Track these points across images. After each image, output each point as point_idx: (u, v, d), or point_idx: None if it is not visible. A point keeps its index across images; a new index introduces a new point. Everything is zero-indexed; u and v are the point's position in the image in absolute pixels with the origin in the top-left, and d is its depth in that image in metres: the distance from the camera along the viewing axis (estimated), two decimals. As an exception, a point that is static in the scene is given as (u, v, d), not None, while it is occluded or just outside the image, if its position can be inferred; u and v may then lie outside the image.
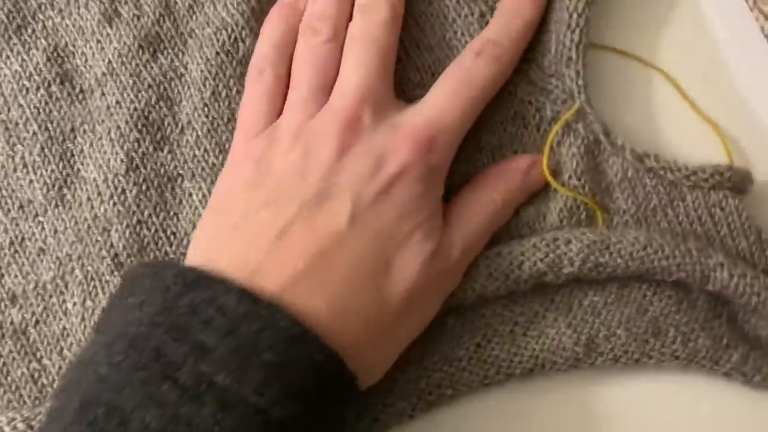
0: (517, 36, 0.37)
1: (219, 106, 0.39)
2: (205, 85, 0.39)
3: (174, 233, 0.39)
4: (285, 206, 0.33)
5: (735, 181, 0.37)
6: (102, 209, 0.38)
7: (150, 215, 0.38)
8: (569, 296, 0.38)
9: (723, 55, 0.41)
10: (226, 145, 0.39)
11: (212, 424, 0.28)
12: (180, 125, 0.39)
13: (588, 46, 0.38)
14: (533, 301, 0.38)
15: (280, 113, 0.37)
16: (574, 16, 0.37)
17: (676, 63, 0.41)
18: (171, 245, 0.39)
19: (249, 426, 0.28)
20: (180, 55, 0.39)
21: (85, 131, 0.39)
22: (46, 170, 0.39)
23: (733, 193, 0.37)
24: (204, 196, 0.39)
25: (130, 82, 0.39)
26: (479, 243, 0.37)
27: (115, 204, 0.38)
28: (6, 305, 0.38)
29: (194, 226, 0.38)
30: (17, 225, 0.38)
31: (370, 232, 0.33)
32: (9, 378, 0.37)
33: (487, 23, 0.39)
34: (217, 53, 0.39)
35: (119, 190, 0.39)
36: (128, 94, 0.39)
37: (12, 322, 0.38)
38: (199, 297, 0.30)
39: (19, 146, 0.39)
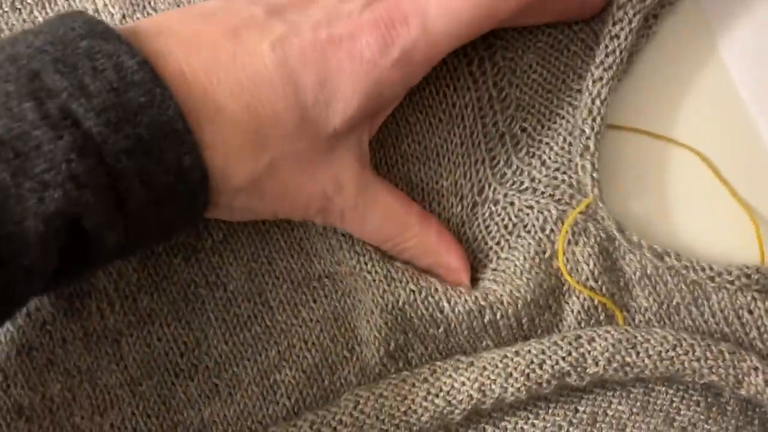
0: None
1: None
2: None
3: (185, 342, 0.38)
4: (228, 16, 0.33)
5: (764, 283, 0.37)
6: (112, 319, 0.38)
7: (161, 325, 0.38)
8: (593, 405, 0.37)
9: (752, 136, 0.41)
10: (242, 252, 0.39)
11: (62, 160, 0.27)
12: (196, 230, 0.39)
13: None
14: (556, 413, 0.37)
15: None
16: (597, 102, 0.38)
17: (703, 142, 0.41)
18: (182, 356, 0.38)
19: (96, 179, 0.28)
20: None
21: None
22: None
23: (762, 296, 0.37)
24: (216, 304, 0.38)
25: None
26: (357, 223, 0.37)
27: (125, 314, 0.38)
28: (12, 417, 0.37)
29: (206, 335, 0.38)
30: (24, 333, 0.38)
31: (288, 63, 0.33)
32: None
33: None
34: None
35: (129, 299, 0.38)
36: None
37: (19, 436, 0.37)
38: (100, 46, 0.29)
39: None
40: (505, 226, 0.39)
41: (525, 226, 0.39)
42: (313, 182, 0.34)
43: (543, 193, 0.39)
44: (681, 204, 0.40)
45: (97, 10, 0.40)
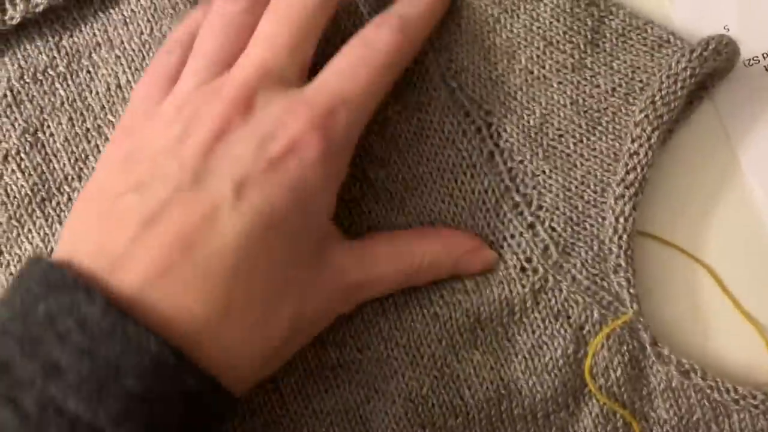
0: (424, 10, 0.37)
1: None
2: None
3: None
4: (156, 189, 0.31)
5: (788, 409, 0.37)
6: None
7: None
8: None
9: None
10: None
11: None
12: None
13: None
14: None
15: None
16: (621, 220, 0.38)
17: (723, 256, 0.42)
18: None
19: None
20: None
21: None
22: None
23: (785, 422, 0.38)
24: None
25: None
26: (378, 285, 0.37)
27: None
28: None
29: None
30: None
31: (254, 215, 0.31)
32: None
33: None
34: None
35: None
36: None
37: None
38: (57, 304, 0.28)
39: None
40: (551, 309, 0.40)
41: (569, 318, 0.39)
42: (325, 294, 0.35)
43: (587, 289, 0.39)
44: (708, 313, 0.41)
45: (119, 86, 0.41)
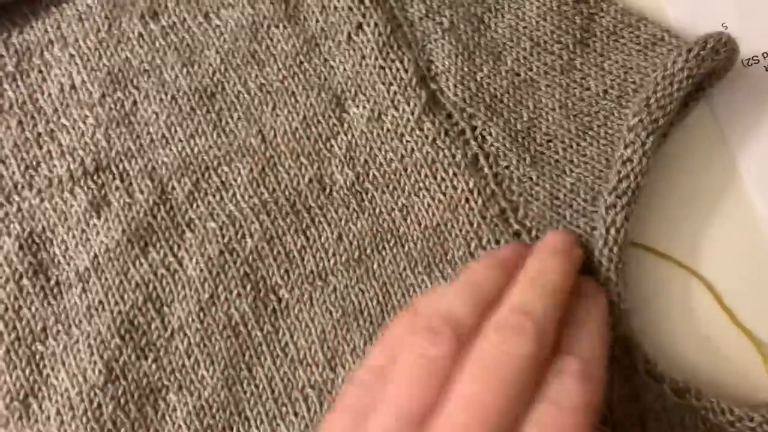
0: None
1: (216, 311, 0.37)
2: (203, 286, 0.37)
3: (152, 452, 0.36)
4: None
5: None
6: (73, 426, 0.36)
7: None
8: None
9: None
10: (219, 356, 0.36)
11: None
12: (169, 330, 0.37)
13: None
14: None
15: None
16: (612, 231, 0.36)
17: (720, 268, 0.40)
18: (148, 466, 0.36)
19: None
20: (175, 249, 0.38)
21: (58, 332, 0.37)
22: (11, 376, 0.37)
23: (782, 443, 0.36)
24: (189, 412, 0.36)
25: (117, 281, 0.37)
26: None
27: (88, 420, 0.36)
28: None
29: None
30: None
31: None
32: None
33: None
34: (221, 251, 0.37)
35: (94, 404, 0.36)
36: (113, 295, 0.37)
37: None
38: None
39: (-18, 349, 0.37)
40: None
41: None
42: None
43: None
44: (705, 328, 0.39)
45: (74, 87, 0.39)
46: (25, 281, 0.38)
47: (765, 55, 0.40)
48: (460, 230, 0.38)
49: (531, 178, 0.38)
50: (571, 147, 0.38)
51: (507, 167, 0.38)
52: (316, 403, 0.37)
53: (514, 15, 0.40)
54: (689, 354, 0.39)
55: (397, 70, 0.39)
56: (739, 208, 0.40)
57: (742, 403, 0.37)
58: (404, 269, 0.38)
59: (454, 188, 0.38)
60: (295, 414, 0.37)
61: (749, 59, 0.40)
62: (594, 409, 0.32)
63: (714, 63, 0.37)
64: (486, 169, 0.38)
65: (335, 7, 0.39)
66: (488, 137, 0.38)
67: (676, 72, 0.36)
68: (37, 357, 0.37)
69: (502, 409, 0.30)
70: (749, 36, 0.39)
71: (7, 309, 0.37)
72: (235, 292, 0.37)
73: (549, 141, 0.38)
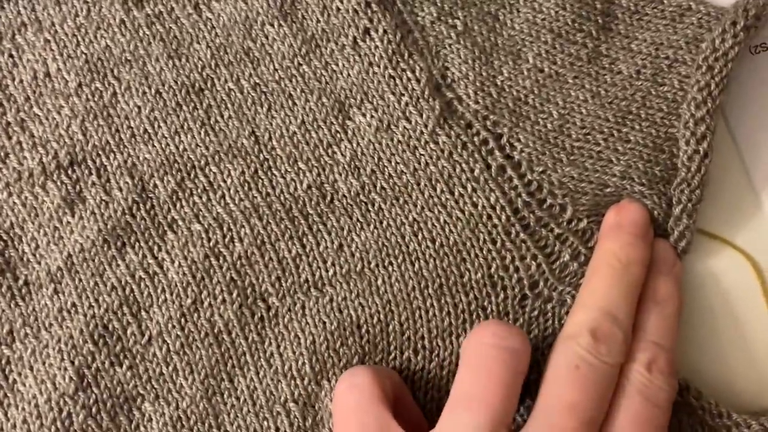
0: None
1: (198, 318, 0.37)
2: (185, 291, 0.36)
3: (124, 466, 0.36)
4: None
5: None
6: (42, 436, 0.35)
7: None
8: None
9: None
10: (200, 365, 0.36)
11: None
12: (147, 336, 0.37)
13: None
14: None
15: None
16: (688, 209, 0.37)
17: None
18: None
19: None
20: (155, 251, 0.37)
21: (26, 335, 0.37)
22: None
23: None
24: (165, 423, 0.36)
25: (91, 282, 0.37)
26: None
27: (57, 430, 0.36)
28: None
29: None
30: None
31: None
32: None
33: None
34: (206, 255, 0.37)
35: (64, 413, 0.36)
36: (87, 297, 0.37)
37: None
38: None
39: (-57, 352, 0.36)
40: (546, 329, 0.38)
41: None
42: None
43: None
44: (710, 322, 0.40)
45: (48, 74, 0.37)
46: (-10, 281, 0.36)
47: None
48: (481, 250, 0.37)
49: (573, 177, 0.38)
50: (612, 135, 0.38)
51: (543, 172, 0.38)
52: (299, 418, 0.36)
53: (530, 8, 0.39)
54: (694, 350, 0.39)
55: (408, 80, 0.38)
56: (743, 196, 0.40)
57: (749, 406, 0.38)
58: (413, 289, 0.37)
59: (474, 205, 0.38)
60: (277, 429, 0.37)
61: (757, 46, 0.40)
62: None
63: (755, 30, 0.37)
64: (515, 180, 0.38)
65: (338, 9, 0.39)
66: (517, 144, 0.38)
67: (728, 50, 0.36)
68: (3, 361, 0.36)
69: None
70: (756, 21, 0.40)
71: (-30, 310, 0.36)
72: (219, 298, 0.37)
73: (587, 134, 0.38)
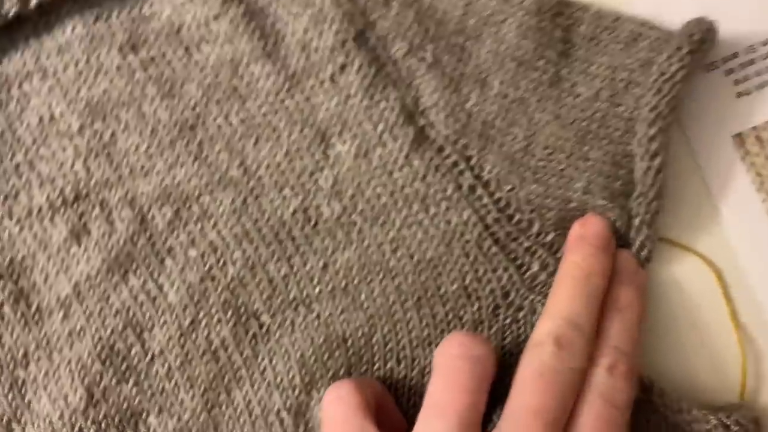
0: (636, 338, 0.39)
1: (197, 336, 0.40)
2: (184, 312, 0.40)
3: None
4: None
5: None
6: (52, 451, 0.39)
7: None
8: None
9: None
10: (199, 380, 0.39)
11: None
12: (150, 354, 0.40)
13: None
14: None
15: None
16: (647, 219, 0.40)
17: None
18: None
19: None
20: (155, 276, 0.40)
21: (39, 358, 0.40)
22: None
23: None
24: (169, 435, 0.39)
25: (97, 307, 0.40)
26: None
27: None
28: None
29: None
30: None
31: None
32: None
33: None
34: (202, 278, 0.41)
35: (76, 428, 0.40)
36: (94, 321, 0.40)
37: None
38: None
39: (-37, 376, 0.40)
40: (519, 336, 0.40)
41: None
42: None
43: None
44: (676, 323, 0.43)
45: (53, 118, 0.41)
46: (6, 309, 0.41)
47: (724, 59, 0.43)
48: (456, 263, 0.41)
49: (538, 194, 0.41)
50: (573, 154, 0.41)
51: (511, 190, 0.41)
52: (291, 426, 0.40)
53: (494, 39, 0.42)
54: (662, 348, 0.42)
55: (383, 109, 0.42)
56: (702, 203, 0.43)
57: (714, 404, 0.41)
58: (394, 303, 0.41)
59: (448, 222, 0.41)
60: None
61: (709, 64, 0.43)
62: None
63: (703, 52, 0.41)
64: (485, 198, 0.41)
65: (317, 47, 0.43)
66: (485, 165, 0.41)
67: (674, 73, 0.39)
68: (20, 382, 0.40)
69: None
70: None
71: (-12, 336, 0.40)
72: (215, 318, 0.40)
73: (550, 154, 0.41)
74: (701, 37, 0.40)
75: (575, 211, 0.40)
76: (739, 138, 0.43)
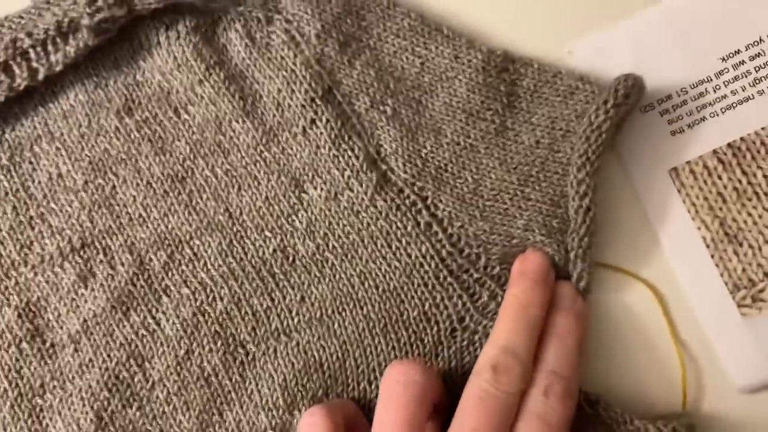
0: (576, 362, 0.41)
1: (191, 365, 0.45)
2: (179, 344, 0.45)
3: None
4: None
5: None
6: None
7: None
8: None
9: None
10: (194, 403, 0.45)
11: None
12: (150, 382, 0.45)
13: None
14: None
15: None
16: (581, 250, 0.43)
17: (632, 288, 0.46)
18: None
19: None
20: (153, 312, 0.46)
21: (54, 387, 0.46)
22: (16, 427, 0.45)
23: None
24: (170, 454, 0.44)
25: (103, 341, 0.46)
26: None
27: None
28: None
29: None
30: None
31: None
32: None
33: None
34: (194, 313, 0.46)
35: None
36: (101, 353, 0.45)
37: None
38: None
39: (-11, 406, 0.46)
40: (476, 357, 0.43)
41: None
42: None
43: None
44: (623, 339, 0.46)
45: (60, 175, 0.47)
46: (24, 345, 0.46)
47: (659, 101, 0.47)
48: (416, 292, 0.45)
49: (485, 230, 0.45)
50: (517, 195, 0.45)
51: (461, 227, 0.45)
52: None
53: (447, 93, 0.47)
54: (609, 363, 0.45)
55: (349, 157, 0.46)
56: (643, 233, 0.47)
57: (658, 415, 0.43)
58: (363, 330, 0.45)
59: (408, 255, 0.45)
60: None
61: (645, 106, 0.47)
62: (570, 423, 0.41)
63: (630, 105, 0.45)
64: (440, 234, 0.45)
65: (289, 105, 0.47)
66: (439, 204, 0.45)
67: (601, 124, 0.44)
68: (38, 410, 0.45)
69: None
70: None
71: (10, 369, 0.46)
72: (207, 348, 0.45)
73: (495, 195, 0.45)
74: (625, 92, 0.44)
75: (518, 247, 0.44)
76: (675, 172, 0.46)
